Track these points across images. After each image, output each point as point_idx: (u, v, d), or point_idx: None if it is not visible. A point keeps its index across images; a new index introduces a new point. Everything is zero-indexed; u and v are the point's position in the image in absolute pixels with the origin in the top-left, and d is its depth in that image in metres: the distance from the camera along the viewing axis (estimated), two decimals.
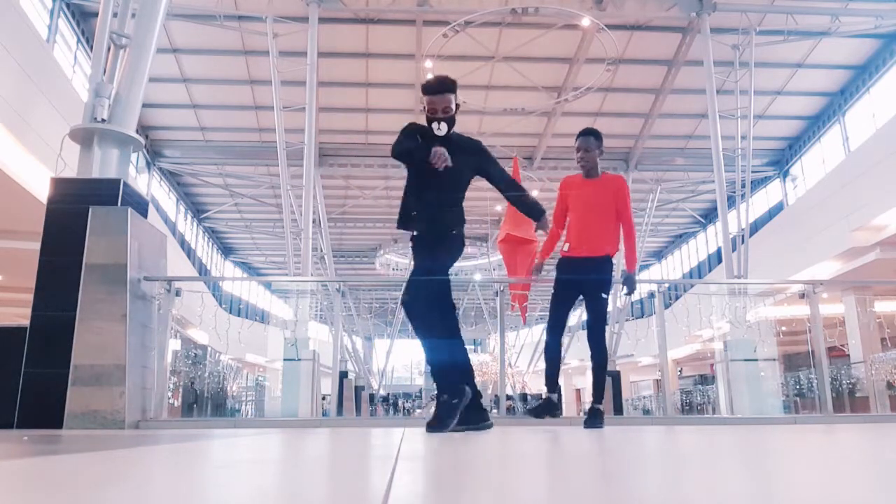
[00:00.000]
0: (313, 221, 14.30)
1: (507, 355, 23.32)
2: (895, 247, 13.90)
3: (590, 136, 4.39)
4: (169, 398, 7.45)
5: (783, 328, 11.07)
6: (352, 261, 27.37)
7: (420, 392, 36.82)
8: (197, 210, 24.44)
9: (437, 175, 3.55)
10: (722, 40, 13.50)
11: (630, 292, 4.53)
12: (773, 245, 17.12)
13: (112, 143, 4.95)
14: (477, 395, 3.64)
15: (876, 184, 13.35)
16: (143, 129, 17.65)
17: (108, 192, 4.71)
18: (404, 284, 3.74)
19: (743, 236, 13.13)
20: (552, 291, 4.41)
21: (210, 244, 27.65)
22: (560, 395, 4.48)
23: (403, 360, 38.16)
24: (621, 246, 4.43)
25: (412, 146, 3.61)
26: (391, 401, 30.29)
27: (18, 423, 4.21)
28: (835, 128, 17.95)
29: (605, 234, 4.32)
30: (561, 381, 4.52)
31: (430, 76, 13.85)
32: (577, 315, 13.02)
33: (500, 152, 18.89)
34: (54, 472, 1.50)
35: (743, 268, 12.84)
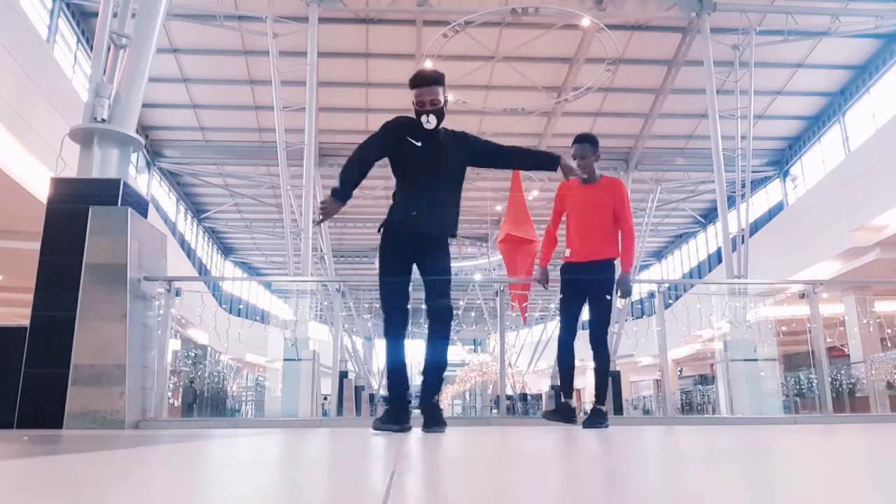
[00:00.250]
0: (313, 221, 14.30)
1: (507, 355, 23.33)
2: (895, 247, 13.90)
3: (585, 142, 4.39)
4: (169, 398, 7.46)
5: (783, 328, 11.07)
6: (352, 261, 27.37)
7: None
8: (197, 210, 24.44)
9: (433, 173, 3.53)
10: (722, 40, 13.50)
11: (625, 295, 4.46)
12: (773, 245, 17.12)
13: (112, 143, 4.95)
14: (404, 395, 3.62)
15: (876, 184, 13.35)
16: (143, 129, 17.65)
17: (108, 192, 4.71)
18: (438, 288, 3.58)
19: (743, 236, 13.13)
20: (559, 297, 4.45)
21: (210, 244, 27.65)
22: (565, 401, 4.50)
23: None
24: None
25: (349, 179, 3.47)
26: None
27: (18, 423, 4.21)
28: (835, 128, 17.95)
29: (605, 238, 4.33)
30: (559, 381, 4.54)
31: None
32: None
33: None
34: (54, 472, 1.50)
35: (743, 268, 12.84)
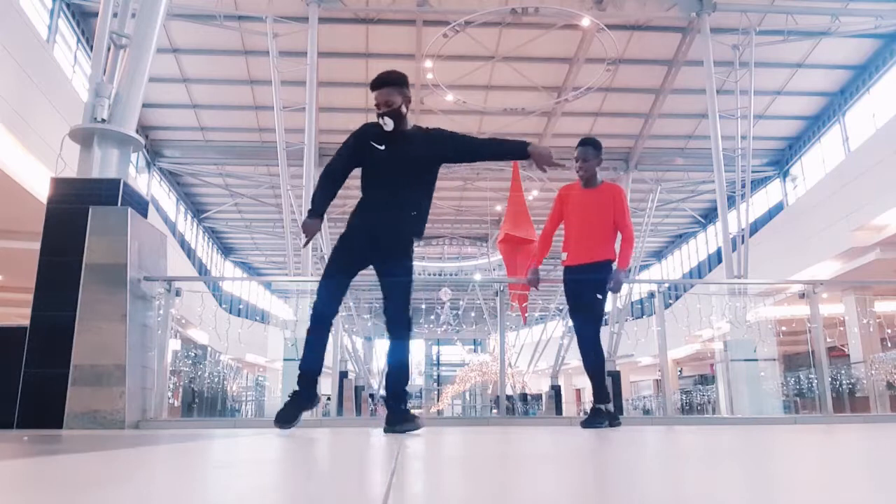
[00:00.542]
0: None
1: (507, 355, 23.31)
2: (895, 247, 13.90)
3: (588, 145, 4.43)
4: (169, 398, 7.45)
5: (783, 328, 11.08)
6: None
7: (420, 392, 36.81)
8: (197, 210, 24.44)
9: (396, 175, 3.52)
10: (722, 40, 13.51)
11: (615, 290, 4.44)
12: (773, 245, 17.11)
13: (112, 143, 4.95)
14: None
15: (876, 184, 13.35)
16: (143, 129, 17.64)
17: (108, 192, 4.71)
18: (393, 293, 3.59)
19: (743, 236, 13.14)
20: (566, 304, 4.51)
21: (210, 244, 27.64)
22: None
23: None
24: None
25: (318, 196, 3.60)
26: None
27: (18, 423, 4.20)
28: (835, 128, 17.95)
29: (602, 241, 4.36)
30: (561, 380, 4.54)
31: (430, 76, 13.80)
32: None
33: None
34: (54, 472, 1.50)
35: (743, 268, 12.84)
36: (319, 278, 3.63)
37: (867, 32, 14.43)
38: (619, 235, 4.44)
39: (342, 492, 1.13)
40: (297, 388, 3.53)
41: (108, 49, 5.16)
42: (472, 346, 37.29)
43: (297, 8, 13.18)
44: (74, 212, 4.57)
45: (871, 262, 14.30)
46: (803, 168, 19.78)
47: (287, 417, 3.46)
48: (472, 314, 33.75)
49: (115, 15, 5.20)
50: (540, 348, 25.52)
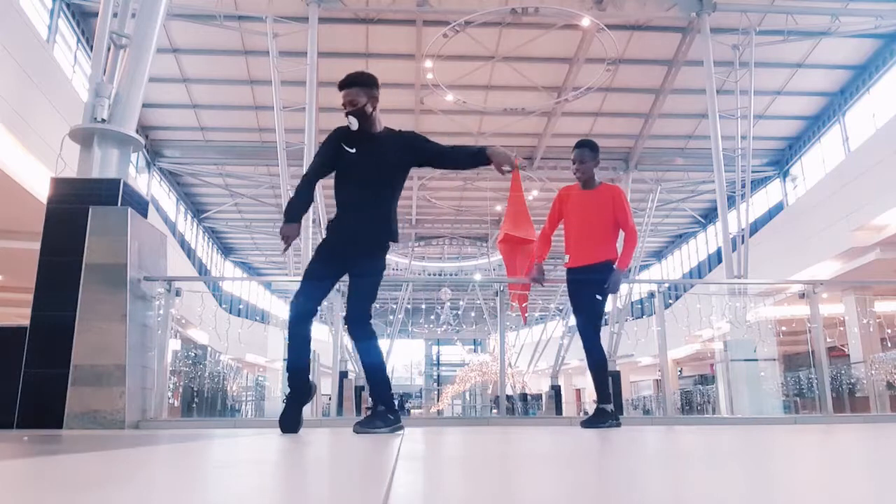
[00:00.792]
0: (313, 221, 14.31)
1: (507, 355, 23.33)
2: (895, 247, 13.90)
3: (585, 147, 4.45)
4: (169, 398, 7.46)
5: (783, 328, 11.08)
6: None
7: (420, 392, 36.81)
8: (197, 210, 24.44)
9: (366, 177, 3.54)
10: (722, 40, 13.50)
11: (612, 291, 4.42)
12: (773, 245, 17.11)
13: (112, 143, 4.95)
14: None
15: (876, 184, 13.35)
16: (143, 129, 17.64)
17: (108, 192, 4.72)
18: (354, 295, 3.56)
19: (743, 236, 13.14)
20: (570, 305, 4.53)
21: (210, 244, 27.64)
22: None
23: (403, 360, 38.17)
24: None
25: (293, 204, 3.71)
26: (396, 401, 30.11)
27: (18, 423, 4.21)
28: (835, 128, 17.95)
29: (603, 241, 4.37)
30: (561, 380, 4.54)
31: (430, 76, 13.82)
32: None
33: None
34: (54, 472, 1.50)
35: (743, 268, 12.84)
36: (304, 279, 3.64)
37: (867, 32, 14.43)
38: (622, 235, 4.45)
39: (342, 492, 1.13)
40: (289, 389, 3.53)
41: (108, 49, 5.16)
42: (472, 346, 37.32)
43: (297, 8, 13.18)
44: (74, 212, 4.57)
45: (871, 262, 14.30)
46: (803, 168, 19.78)
47: (291, 423, 3.46)
48: (472, 314, 33.76)
49: (115, 15, 5.21)
50: (540, 348, 25.55)
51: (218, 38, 14.47)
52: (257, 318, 29.67)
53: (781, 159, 20.68)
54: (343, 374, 14.19)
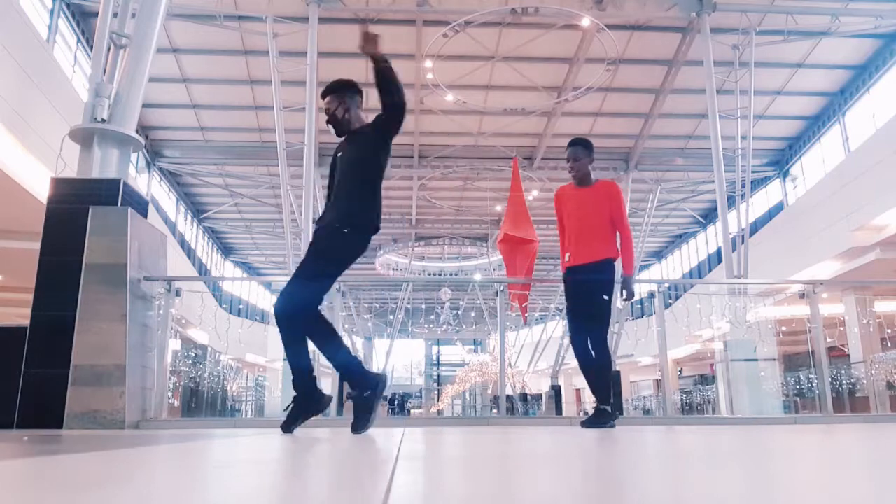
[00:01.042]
0: (313, 221, 14.30)
1: (507, 355, 23.32)
2: (895, 247, 13.90)
3: (578, 145, 4.44)
4: (169, 398, 7.45)
5: (783, 328, 11.08)
6: None
7: (420, 392, 36.78)
8: (197, 210, 24.44)
9: (343, 176, 3.54)
10: (722, 40, 13.50)
11: (628, 297, 4.48)
12: (773, 245, 17.12)
13: (112, 143, 4.95)
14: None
15: (876, 184, 13.35)
16: (143, 129, 17.64)
17: (108, 192, 4.72)
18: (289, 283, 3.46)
19: (743, 236, 13.14)
20: (565, 303, 4.48)
21: (210, 244, 27.65)
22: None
23: (403, 360, 38.18)
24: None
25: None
26: (397, 401, 30.08)
27: (18, 423, 4.21)
28: (835, 128, 17.95)
29: (601, 239, 4.33)
30: (561, 380, 4.53)
31: (430, 76, 13.80)
32: None
33: (500, 152, 18.95)
34: (54, 472, 1.50)
35: (743, 268, 12.84)
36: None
37: (867, 32, 14.43)
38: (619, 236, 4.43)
39: (342, 492, 1.13)
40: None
41: (108, 49, 5.16)
42: (472, 346, 37.32)
43: (297, 8, 13.18)
44: (74, 212, 4.58)
45: (871, 262, 14.30)
46: (803, 168, 19.78)
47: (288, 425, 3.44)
48: (472, 314, 33.74)
49: (115, 15, 5.21)
50: (540, 348, 25.54)
51: (218, 38, 14.47)
52: (257, 318, 29.68)
53: (781, 159, 20.68)
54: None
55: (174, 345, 10.83)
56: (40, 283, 4.50)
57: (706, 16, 13.37)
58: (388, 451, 2.16)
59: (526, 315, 15.63)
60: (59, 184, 4.77)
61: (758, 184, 20.31)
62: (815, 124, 18.75)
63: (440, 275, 28.61)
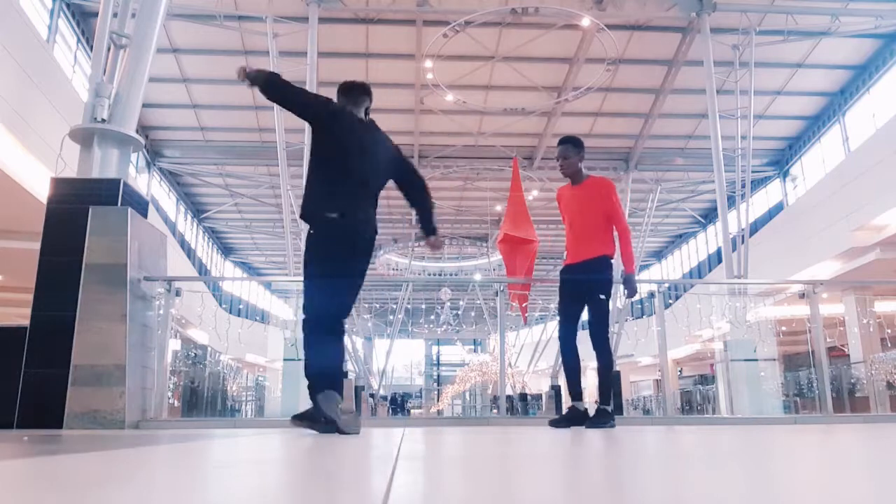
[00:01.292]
0: None
1: (507, 355, 23.31)
2: (895, 247, 13.90)
3: (567, 143, 4.46)
4: (169, 398, 7.46)
5: (783, 328, 11.08)
6: None
7: (420, 392, 36.78)
8: (197, 210, 24.44)
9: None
10: (722, 40, 13.50)
11: (631, 295, 4.48)
12: (773, 245, 17.11)
13: (112, 143, 4.95)
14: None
15: (876, 184, 13.35)
16: (143, 129, 17.64)
17: (108, 192, 4.72)
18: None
19: (743, 236, 13.13)
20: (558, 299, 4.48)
21: (210, 244, 27.65)
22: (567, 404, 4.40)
23: (403, 360, 38.18)
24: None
25: None
26: (398, 401, 30.08)
27: (18, 423, 4.21)
28: (835, 128, 17.95)
29: (596, 237, 4.32)
30: (561, 380, 4.53)
31: (430, 76, 13.80)
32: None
33: (499, 152, 18.95)
34: (54, 472, 1.50)
35: (743, 268, 12.84)
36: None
37: (867, 32, 14.43)
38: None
39: (342, 492, 1.13)
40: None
41: (108, 49, 5.16)
42: (472, 346, 37.31)
43: (297, 8, 13.18)
44: (74, 212, 4.57)
45: (871, 262, 14.30)
46: (803, 168, 19.78)
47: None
48: (472, 314, 33.74)
49: (115, 15, 5.21)
50: (540, 348, 25.52)
51: (218, 38, 14.47)
52: (257, 318, 29.68)
53: (781, 159, 20.68)
54: (344, 375, 14.19)
55: (174, 345, 10.85)
56: (40, 283, 4.50)
57: (706, 16, 13.37)
58: (388, 451, 2.16)
59: (526, 315, 15.63)
60: (59, 184, 4.77)
61: (758, 184, 20.30)
62: (815, 124, 18.75)
63: (440, 275, 28.60)
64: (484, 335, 34.47)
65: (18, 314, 13.34)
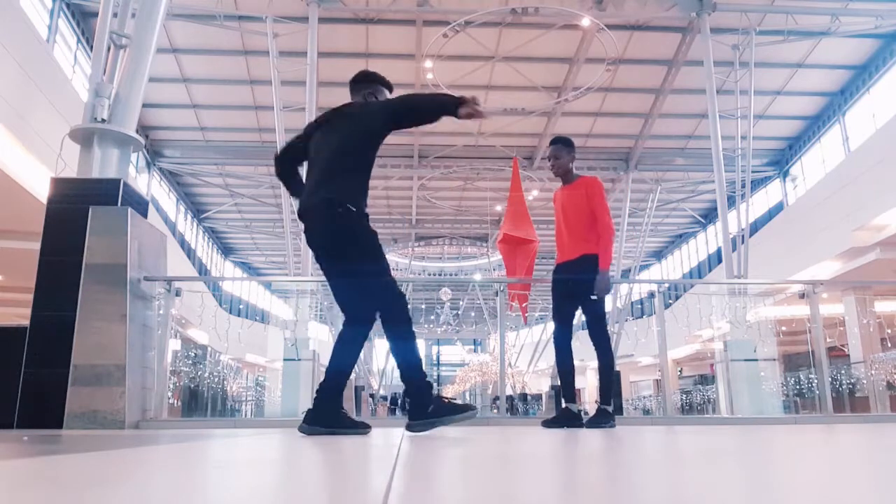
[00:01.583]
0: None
1: (507, 355, 23.31)
2: (895, 247, 13.90)
3: (558, 143, 4.50)
4: (169, 398, 7.45)
5: (783, 328, 11.07)
6: None
7: None
8: (197, 210, 24.45)
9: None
10: (722, 40, 13.50)
11: (601, 294, 4.26)
12: (773, 245, 17.12)
13: (112, 143, 4.95)
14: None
15: (876, 184, 13.35)
16: (143, 129, 17.65)
17: (108, 192, 4.72)
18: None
19: (743, 236, 13.13)
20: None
21: (210, 244, 27.65)
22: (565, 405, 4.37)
23: None
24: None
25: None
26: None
27: (18, 423, 4.21)
28: (835, 128, 17.95)
29: (583, 236, 4.32)
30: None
31: (430, 76, 13.81)
32: (578, 315, 13.02)
33: (500, 152, 18.95)
34: (54, 472, 1.50)
35: (743, 268, 12.83)
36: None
37: (867, 32, 14.43)
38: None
39: (342, 492, 1.13)
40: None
41: (108, 49, 5.16)
42: (472, 346, 37.32)
43: (297, 8, 13.18)
44: (74, 212, 4.58)
45: (871, 262, 14.30)
46: (803, 168, 19.78)
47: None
48: (472, 314, 33.75)
49: (115, 15, 5.21)
50: (540, 348, 25.53)
51: (218, 38, 14.48)
52: (257, 318, 29.67)
53: (781, 159, 20.69)
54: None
55: (174, 345, 10.82)
56: (40, 283, 4.50)
57: (706, 16, 13.37)
58: (388, 451, 2.16)
59: (526, 315, 15.61)
60: (59, 184, 4.77)
61: (758, 184, 20.31)
62: (815, 124, 18.75)
63: (440, 275, 28.61)
64: (484, 335, 34.47)
65: (18, 314, 13.34)
